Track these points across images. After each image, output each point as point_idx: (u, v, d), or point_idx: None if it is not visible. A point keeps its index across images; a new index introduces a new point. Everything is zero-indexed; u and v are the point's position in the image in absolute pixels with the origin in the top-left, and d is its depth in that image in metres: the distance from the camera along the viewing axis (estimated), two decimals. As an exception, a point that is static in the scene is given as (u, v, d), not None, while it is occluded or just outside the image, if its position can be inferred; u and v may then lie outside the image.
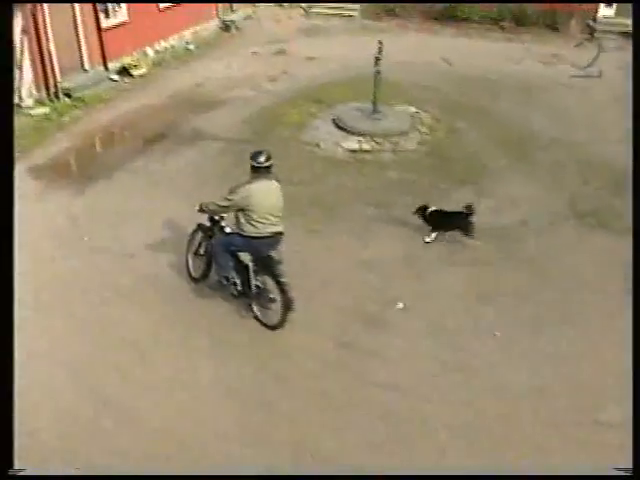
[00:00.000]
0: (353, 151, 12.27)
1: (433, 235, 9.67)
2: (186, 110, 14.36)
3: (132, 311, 8.17)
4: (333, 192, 10.92)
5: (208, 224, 8.30)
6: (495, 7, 21.24)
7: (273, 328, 7.85)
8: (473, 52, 18.71)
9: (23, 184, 10.67)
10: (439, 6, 21.71)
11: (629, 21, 20.38)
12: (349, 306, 8.33)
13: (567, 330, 7.95)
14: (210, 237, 8.30)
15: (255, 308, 8.04)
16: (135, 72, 16.57)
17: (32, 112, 13.93)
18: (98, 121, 14.02)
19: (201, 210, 7.92)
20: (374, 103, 13.16)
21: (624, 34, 20.26)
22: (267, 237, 7.58)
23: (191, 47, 19.24)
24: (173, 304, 8.32)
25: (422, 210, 9.66)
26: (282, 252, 7.80)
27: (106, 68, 16.28)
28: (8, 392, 5.29)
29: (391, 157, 12.13)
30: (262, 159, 7.51)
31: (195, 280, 8.65)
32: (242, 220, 7.51)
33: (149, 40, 17.87)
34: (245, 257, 7.86)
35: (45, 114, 13.99)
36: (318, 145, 12.51)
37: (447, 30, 21.14)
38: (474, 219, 9.48)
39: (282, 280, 7.57)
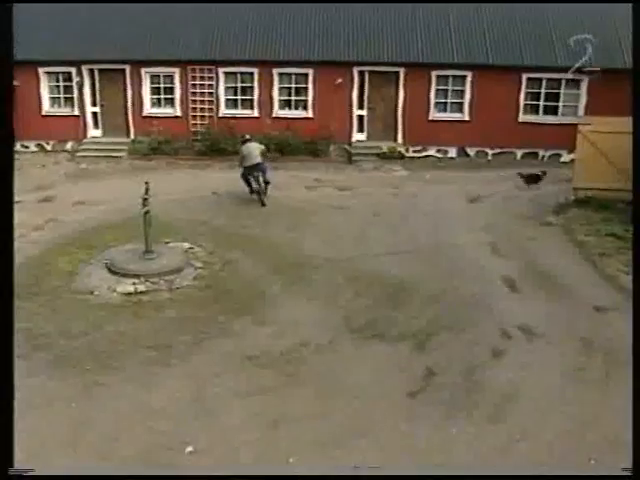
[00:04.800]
0: (128, 294, 11.95)
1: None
2: (-57, 269, 13.31)
3: None
4: (111, 340, 10.45)
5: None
6: (260, 139, 22.30)
7: (262, 205, 17.34)
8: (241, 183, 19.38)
9: None
10: (206, 142, 22.46)
11: (379, 143, 22.51)
12: (139, 457, 7.89)
13: (360, 443, 8.08)
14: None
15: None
16: None
17: None
18: None
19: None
20: (146, 243, 13.08)
21: (377, 155, 22.24)
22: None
23: (-53, 201, 18.10)
24: None
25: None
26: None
27: None
28: (8, 392, 5.23)
29: (168, 296, 11.96)
30: (245, 137, 18.41)
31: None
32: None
33: None
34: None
35: None
36: (91, 292, 12.04)
37: (216, 164, 21.82)
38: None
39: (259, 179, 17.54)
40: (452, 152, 22.94)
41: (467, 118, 22.61)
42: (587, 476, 6.21)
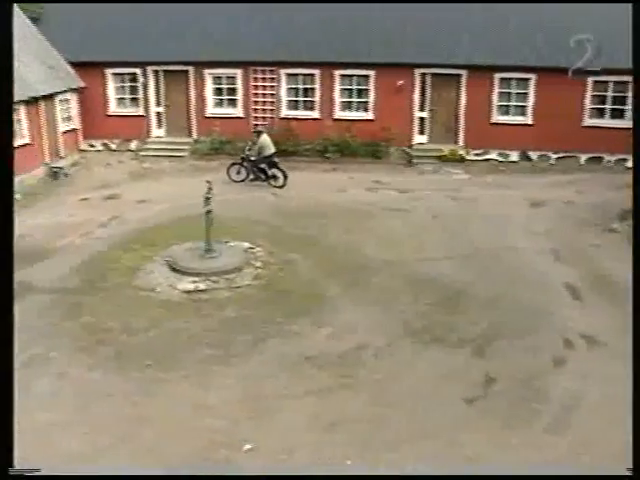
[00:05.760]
0: (189, 292, 12.16)
1: None
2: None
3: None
4: (171, 337, 10.68)
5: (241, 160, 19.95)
6: (320, 140, 22.42)
7: (280, 187, 19.10)
8: (302, 183, 19.48)
9: None
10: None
11: (440, 146, 22.32)
12: (195, 454, 8.01)
13: (415, 449, 8.04)
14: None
15: (271, 181, 19.43)
16: (-45, 228, 15.76)
17: None
18: None
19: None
20: (207, 242, 13.26)
21: (438, 158, 22.05)
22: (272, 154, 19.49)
23: (17, 197, 18.63)
24: None
25: None
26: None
27: None
28: (8, 392, 5.28)
29: (227, 295, 12.12)
30: (258, 129, 20.68)
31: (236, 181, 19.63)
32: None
33: (-30, 193, 17.18)
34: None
35: None
36: (153, 289, 12.30)
37: (277, 164, 21.96)
38: None
39: (281, 168, 19.26)
40: (514, 156, 22.54)
41: (530, 121, 22.18)
42: (588, 476, 6.09)
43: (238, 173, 19.82)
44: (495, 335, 10.74)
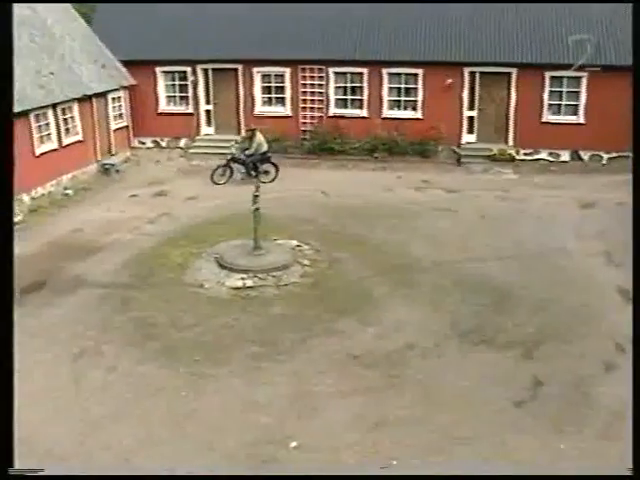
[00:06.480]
0: (237, 289, 12.25)
1: None
2: (64, 257, 14.01)
3: None
4: (219, 333, 10.77)
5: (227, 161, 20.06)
6: (368, 139, 22.38)
7: (271, 181, 19.27)
8: (349, 183, 19.52)
9: None
10: (315, 141, 22.66)
11: (489, 145, 22.07)
12: (239, 449, 8.06)
13: (462, 451, 7.98)
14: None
15: (262, 177, 18.81)
16: (10, 221, 16.13)
17: None
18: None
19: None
20: (255, 239, 13.34)
21: (487, 157, 21.81)
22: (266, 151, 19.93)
23: (69, 192, 19.09)
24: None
25: None
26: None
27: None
28: (8, 392, 5.13)
29: (275, 292, 12.17)
30: (252, 127, 20.72)
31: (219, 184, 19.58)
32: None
33: (25, 187, 17.42)
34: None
35: None
36: (202, 285, 12.42)
37: (324, 163, 22.00)
38: None
39: (273, 162, 19.96)
40: (565, 156, 22.18)
41: (582, 121, 21.79)
42: (587, 476, 5.96)
43: (222, 175, 19.82)
44: (544, 338, 10.57)
